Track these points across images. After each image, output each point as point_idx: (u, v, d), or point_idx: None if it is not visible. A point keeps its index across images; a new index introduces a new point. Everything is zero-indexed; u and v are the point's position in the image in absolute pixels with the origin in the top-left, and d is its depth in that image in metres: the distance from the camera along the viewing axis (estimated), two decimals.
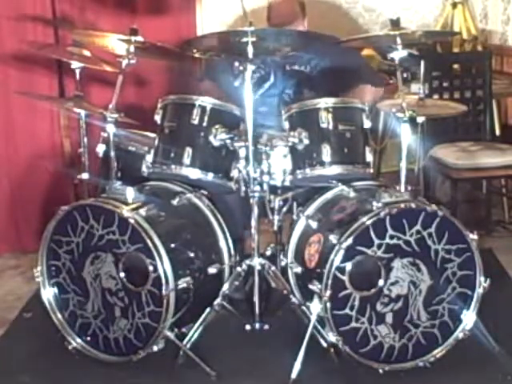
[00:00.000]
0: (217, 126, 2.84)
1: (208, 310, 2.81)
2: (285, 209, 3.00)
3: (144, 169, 2.93)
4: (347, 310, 2.67)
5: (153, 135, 3.00)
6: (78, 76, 3.23)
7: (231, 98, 2.99)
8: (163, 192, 3.01)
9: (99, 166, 3.20)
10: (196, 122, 2.85)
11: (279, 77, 3.42)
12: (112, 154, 2.96)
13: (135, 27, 2.93)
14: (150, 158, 2.91)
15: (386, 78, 3.88)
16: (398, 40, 2.73)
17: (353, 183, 2.95)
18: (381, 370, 2.70)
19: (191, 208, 3.00)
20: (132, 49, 2.92)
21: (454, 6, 4.67)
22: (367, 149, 2.85)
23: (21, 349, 3.01)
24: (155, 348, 2.75)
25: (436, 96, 4.08)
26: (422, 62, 3.37)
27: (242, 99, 2.76)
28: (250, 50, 2.70)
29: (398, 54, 2.76)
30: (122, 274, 2.77)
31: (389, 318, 2.71)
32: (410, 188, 2.76)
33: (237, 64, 2.75)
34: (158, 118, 2.93)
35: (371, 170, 2.86)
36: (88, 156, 3.21)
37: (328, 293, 2.62)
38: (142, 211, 2.77)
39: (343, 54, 3.35)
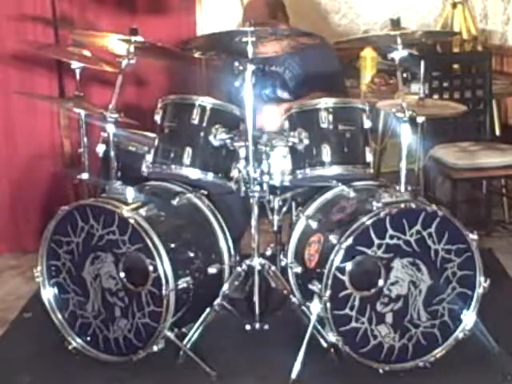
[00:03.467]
0: (217, 126, 2.84)
1: (208, 310, 2.80)
2: (284, 209, 3.00)
3: (144, 169, 2.93)
4: (347, 310, 2.67)
5: (153, 135, 3.00)
6: (78, 76, 3.23)
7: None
8: (163, 192, 3.01)
9: (99, 166, 3.20)
10: (196, 121, 2.85)
11: (258, 78, 3.39)
12: (112, 154, 2.96)
13: (135, 27, 2.93)
14: (149, 157, 2.91)
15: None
16: (398, 40, 2.73)
17: (353, 183, 2.95)
18: (381, 370, 2.70)
19: (191, 208, 3.00)
20: (132, 49, 2.93)
21: (454, 6, 4.67)
22: (367, 149, 2.84)
23: (21, 349, 3.01)
24: (155, 348, 2.75)
25: (436, 96, 4.08)
26: (422, 62, 3.36)
27: (241, 100, 2.76)
28: (250, 50, 2.70)
29: (398, 53, 2.76)
30: (122, 274, 2.77)
31: (389, 318, 2.71)
32: (410, 188, 2.77)
33: (236, 64, 2.75)
34: (158, 117, 2.93)
35: (371, 170, 2.86)
36: (88, 156, 3.21)
37: (328, 293, 2.62)
38: (142, 211, 2.77)
39: (321, 58, 3.33)
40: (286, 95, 3.32)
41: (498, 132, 4.40)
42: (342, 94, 3.34)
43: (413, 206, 2.70)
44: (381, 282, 2.68)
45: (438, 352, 2.76)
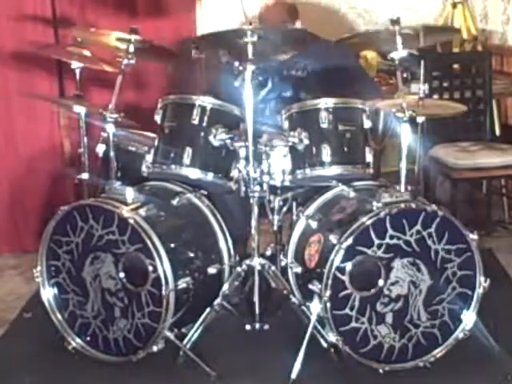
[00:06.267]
0: (217, 126, 2.84)
1: (208, 310, 2.80)
2: (285, 209, 3.00)
3: (144, 169, 2.93)
4: (347, 310, 2.67)
5: (153, 135, 3.00)
6: (78, 76, 3.23)
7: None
8: (163, 192, 3.00)
9: (99, 166, 3.19)
10: (196, 121, 2.86)
11: (276, 82, 3.43)
12: (112, 154, 2.97)
13: (135, 27, 2.93)
14: (149, 157, 2.91)
15: (381, 90, 3.84)
16: (398, 38, 2.73)
17: (353, 183, 2.95)
18: (381, 370, 2.70)
19: (191, 208, 3.00)
20: (132, 49, 2.93)
21: (454, 6, 4.67)
22: (367, 149, 2.85)
23: (21, 349, 3.01)
24: (155, 348, 2.75)
25: (436, 96, 4.08)
26: (422, 62, 3.36)
27: (241, 100, 2.76)
28: (250, 49, 2.70)
29: (398, 53, 2.76)
30: (122, 274, 2.76)
31: (389, 318, 2.71)
32: (410, 188, 2.76)
33: (237, 64, 2.75)
34: (158, 117, 2.93)
35: (371, 170, 2.86)
36: (88, 156, 3.21)
37: (328, 293, 2.62)
38: (142, 211, 2.76)
39: (340, 59, 3.37)
40: (309, 97, 3.33)
41: (498, 132, 4.40)
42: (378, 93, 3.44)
43: (413, 206, 2.70)
44: (381, 282, 2.68)
45: (438, 352, 2.76)
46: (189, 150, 2.84)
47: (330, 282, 2.62)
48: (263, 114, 3.20)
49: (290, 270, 2.98)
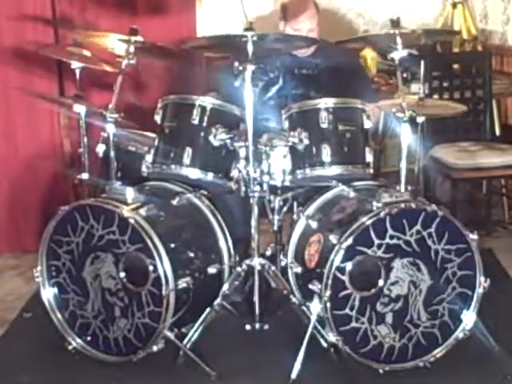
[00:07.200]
0: (217, 126, 2.84)
1: (208, 310, 2.81)
2: (285, 209, 3.00)
3: (144, 169, 2.93)
4: (347, 310, 2.67)
5: (153, 135, 3.00)
6: (77, 76, 3.23)
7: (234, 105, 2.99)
8: (163, 192, 3.01)
9: (99, 166, 3.20)
10: (196, 121, 2.86)
11: (288, 79, 3.44)
12: (112, 154, 2.96)
13: (135, 27, 2.93)
14: (149, 158, 2.91)
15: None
16: (398, 40, 2.73)
17: (353, 183, 2.95)
18: (381, 370, 2.70)
19: (191, 208, 3.00)
20: (132, 49, 2.93)
21: (454, 6, 4.67)
22: (367, 149, 2.85)
23: (21, 349, 3.01)
24: (155, 348, 2.75)
25: (436, 96, 4.08)
26: (422, 62, 3.36)
27: (242, 100, 2.76)
28: (250, 49, 2.70)
29: (398, 53, 2.76)
30: (122, 274, 2.77)
31: (389, 318, 2.71)
32: (410, 188, 2.77)
33: (236, 64, 2.75)
34: (157, 117, 2.93)
35: (371, 170, 2.86)
36: (88, 156, 3.21)
37: (328, 293, 2.62)
38: (142, 211, 2.77)
39: (348, 59, 3.40)
40: (319, 96, 3.34)
41: (498, 132, 4.40)
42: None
43: (413, 205, 2.70)
44: (381, 282, 2.68)
45: (438, 352, 2.76)
46: (189, 150, 2.84)
47: (329, 281, 2.62)
48: (273, 112, 3.20)
49: (290, 270, 2.98)
